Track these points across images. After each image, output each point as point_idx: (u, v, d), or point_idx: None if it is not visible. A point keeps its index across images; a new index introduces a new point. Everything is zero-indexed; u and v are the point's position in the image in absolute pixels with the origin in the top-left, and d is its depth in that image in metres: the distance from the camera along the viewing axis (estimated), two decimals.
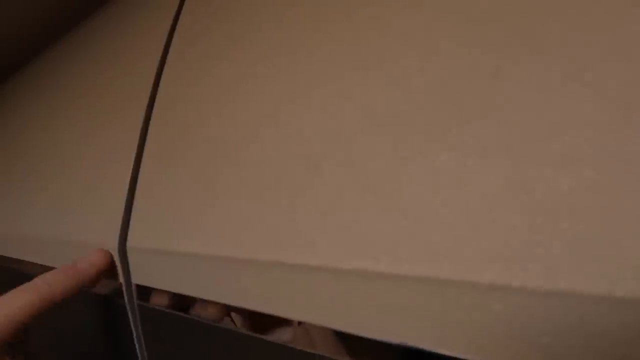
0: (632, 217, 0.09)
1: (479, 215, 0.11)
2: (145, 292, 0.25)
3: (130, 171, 0.25)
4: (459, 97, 0.13)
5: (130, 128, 0.26)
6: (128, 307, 0.25)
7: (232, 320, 0.28)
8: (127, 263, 0.24)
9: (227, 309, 0.25)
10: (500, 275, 0.10)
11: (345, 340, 0.28)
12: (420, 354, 0.12)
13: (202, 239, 0.20)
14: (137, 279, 0.24)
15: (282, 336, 0.26)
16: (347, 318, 0.13)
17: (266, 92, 0.20)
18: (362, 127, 0.15)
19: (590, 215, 0.09)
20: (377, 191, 0.13)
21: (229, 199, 0.19)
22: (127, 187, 0.25)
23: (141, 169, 0.25)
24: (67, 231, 0.27)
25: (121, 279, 0.25)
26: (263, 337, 0.19)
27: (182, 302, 0.25)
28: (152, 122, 0.26)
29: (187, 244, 0.21)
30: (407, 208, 0.12)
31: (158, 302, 0.25)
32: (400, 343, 0.12)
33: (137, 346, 0.26)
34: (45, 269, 0.25)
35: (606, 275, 0.09)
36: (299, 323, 0.27)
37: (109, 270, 0.24)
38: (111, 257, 0.24)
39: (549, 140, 0.11)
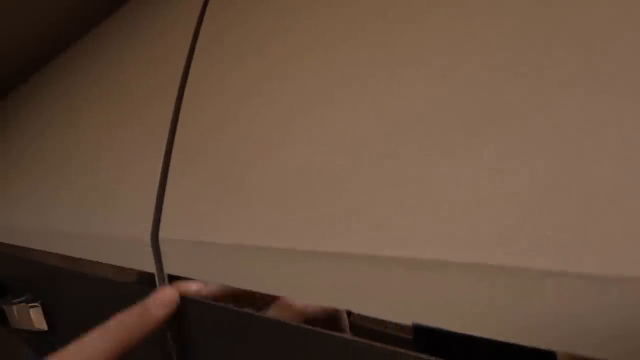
0: None
1: (530, 204, 0.11)
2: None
3: (161, 164, 0.26)
4: (500, 92, 0.14)
5: (159, 122, 0.28)
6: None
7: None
8: (159, 253, 0.26)
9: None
10: (553, 261, 0.11)
11: None
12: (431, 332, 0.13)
13: (235, 230, 0.21)
14: (169, 269, 0.26)
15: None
16: (389, 306, 0.14)
17: (302, 84, 0.21)
18: (405, 122, 0.16)
19: None
20: (426, 183, 0.14)
21: (263, 191, 0.20)
22: (158, 180, 0.26)
23: (171, 162, 0.26)
24: (101, 225, 0.29)
25: (154, 269, 0.26)
26: (294, 323, 0.20)
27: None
28: (181, 115, 0.27)
29: (218, 235, 0.22)
30: (456, 199, 0.13)
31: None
32: (448, 329, 0.12)
33: (168, 334, 0.27)
34: (70, 260, 0.26)
35: None
36: None
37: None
38: (178, 295, 0.23)
39: (599, 134, 0.11)
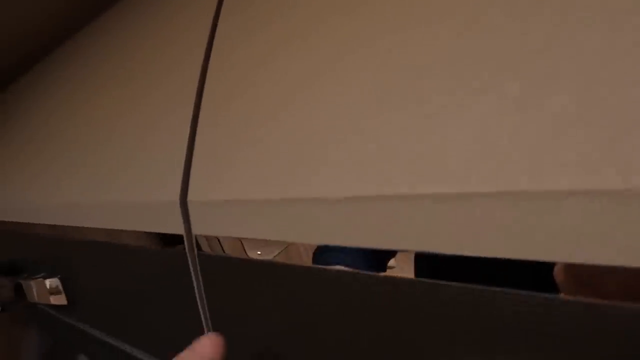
0: None
1: (553, 133, 0.13)
2: None
3: (188, 131, 0.27)
4: (520, 33, 0.15)
5: (185, 88, 0.29)
6: (188, 256, 0.28)
7: None
8: (188, 215, 0.27)
9: None
10: (575, 180, 0.12)
11: None
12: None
13: (262, 185, 0.22)
14: (197, 229, 0.27)
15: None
16: (432, 239, 0.15)
17: (324, 39, 0.22)
18: (432, 66, 0.17)
19: None
20: (455, 122, 0.16)
21: (288, 146, 0.21)
22: (185, 144, 0.27)
23: (198, 127, 0.27)
24: (130, 192, 0.30)
25: (182, 231, 0.27)
26: (325, 268, 0.21)
27: None
28: (207, 80, 0.28)
29: (247, 192, 0.23)
30: (481, 133, 0.15)
31: None
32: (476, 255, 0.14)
33: (196, 293, 0.29)
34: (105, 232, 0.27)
35: None
36: None
37: None
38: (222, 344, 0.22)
39: (618, 62, 0.12)
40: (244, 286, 0.26)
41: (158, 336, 0.35)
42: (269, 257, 0.26)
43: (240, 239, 0.26)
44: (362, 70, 0.19)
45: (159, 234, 0.31)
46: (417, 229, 0.16)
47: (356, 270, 0.20)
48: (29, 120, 0.52)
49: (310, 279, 0.22)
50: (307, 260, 0.23)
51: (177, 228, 0.28)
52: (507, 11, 0.15)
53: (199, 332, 0.30)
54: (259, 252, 0.27)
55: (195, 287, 0.29)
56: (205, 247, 0.30)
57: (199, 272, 0.28)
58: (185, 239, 0.28)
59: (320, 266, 0.22)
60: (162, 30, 0.35)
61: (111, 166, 0.33)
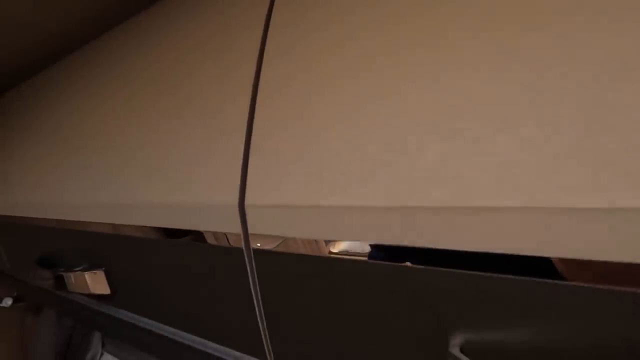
0: None
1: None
2: None
3: (244, 140, 0.31)
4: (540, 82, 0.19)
5: (239, 100, 0.32)
6: (245, 253, 0.32)
7: None
8: (245, 217, 0.31)
9: None
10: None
11: None
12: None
13: (309, 193, 0.26)
14: (253, 229, 0.31)
15: None
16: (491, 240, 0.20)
17: (387, 63, 0.25)
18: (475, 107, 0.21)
19: None
20: (483, 153, 0.20)
21: (338, 157, 0.25)
22: (242, 154, 0.31)
23: (252, 137, 0.31)
24: (192, 196, 0.33)
25: (240, 230, 0.31)
26: (382, 263, 0.25)
27: None
28: (259, 91, 0.31)
29: (298, 198, 0.27)
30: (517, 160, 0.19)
31: None
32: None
33: (251, 287, 0.33)
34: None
35: None
36: None
37: None
38: None
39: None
40: (293, 278, 0.30)
41: (209, 320, 0.39)
42: (269, 247, 0.30)
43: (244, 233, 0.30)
44: (421, 97, 0.23)
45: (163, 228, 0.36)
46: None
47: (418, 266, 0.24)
48: (86, 119, 0.54)
49: (362, 271, 0.26)
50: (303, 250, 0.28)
51: (235, 228, 0.31)
52: (531, 71, 0.19)
53: (252, 317, 0.34)
54: (258, 244, 0.31)
55: (250, 281, 0.33)
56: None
57: (254, 267, 0.32)
58: (242, 236, 0.31)
59: (366, 259, 0.26)
60: (216, 34, 0.38)
61: (181, 170, 0.36)
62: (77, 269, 0.53)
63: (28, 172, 0.61)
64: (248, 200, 0.30)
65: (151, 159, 0.38)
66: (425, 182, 0.21)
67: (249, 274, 0.33)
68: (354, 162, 0.25)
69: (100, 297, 0.55)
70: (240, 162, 0.31)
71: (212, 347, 0.42)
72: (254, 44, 0.34)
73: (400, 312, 0.24)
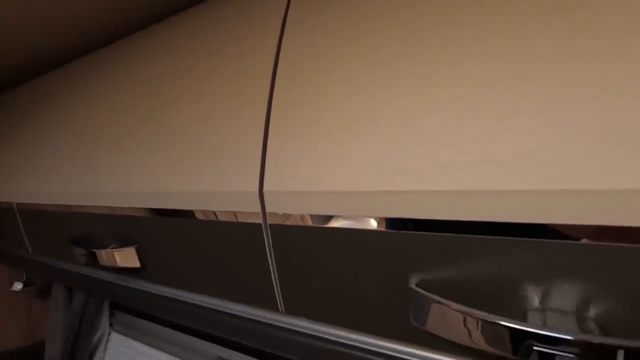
0: None
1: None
2: None
3: (262, 132, 0.41)
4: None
5: (258, 93, 0.42)
6: (263, 228, 0.42)
7: None
8: (264, 200, 0.41)
9: None
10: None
11: None
12: None
13: (323, 180, 0.36)
14: (270, 208, 0.41)
15: None
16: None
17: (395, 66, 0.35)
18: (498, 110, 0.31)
19: None
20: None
21: (346, 150, 0.35)
22: (261, 145, 0.40)
23: (270, 130, 0.40)
24: (213, 183, 0.43)
25: (259, 209, 0.41)
26: (396, 231, 0.35)
27: None
28: (276, 88, 0.41)
29: (314, 185, 0.37)
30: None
31: None
32: None
33: (267, 254, 0.43)
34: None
35: None
36: None
37: None
38: None
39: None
40: (309, 252, 0.40)
41: (229, 283, 0.49)
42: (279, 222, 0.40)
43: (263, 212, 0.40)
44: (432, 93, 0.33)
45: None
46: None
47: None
48: (115, 112, 0.63)
49: (375, 245, 0.36)
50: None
51: (255, 208, 0.41)
52: (537, 93, 0.29)
53: (268, 278, 0.44)
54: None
55: (268, 254, 0.43)
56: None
57: (270, 241, 0.42)
58: (261, 214, 0.41)
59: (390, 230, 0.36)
60: (234, 29, 0.47)
61: (206, 159, 0.46)
62: (110, 247, 0.63)
63: (67, 162, 0.69)
64: (266, 187, 0.40)
65: (182, 152, 0.48)
66: (407, 172, 0.31)
67: (266, 244, 0.43)
68: (354, 156, 0.35)
69: (129, 272, 0.64)
70: (260, 153, 0.41)
71: (230, 307, 0.53)
72: (272, 43, 0.43)
73: (378, 264, 0.35)
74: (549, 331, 0.24)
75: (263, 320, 0.48)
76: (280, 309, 0.44)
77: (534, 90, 0.27)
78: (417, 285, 0.32)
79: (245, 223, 0.43)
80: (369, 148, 0.34)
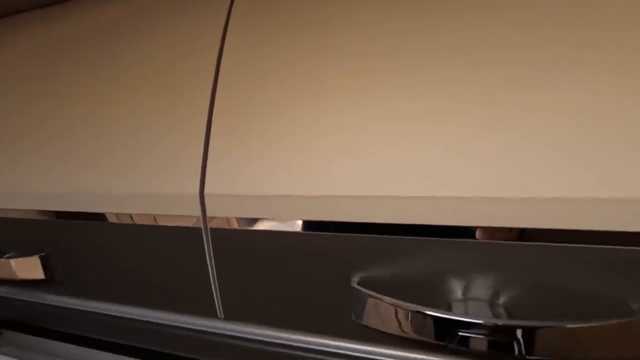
0: None
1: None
2: None
3: (204, 134, 0.39)
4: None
5: (200, 93, 0.39)
6: (203, 232, 0.40)
7: None
8: (204, 203, 0.39)
9: None
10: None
11: None
12: None
13: (261, 184, 0.36)
14: (211, 212, 0.39)
15: None
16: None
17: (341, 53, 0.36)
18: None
19: None
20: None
21: (290, 151, 0.35)
22: (203, 143, 0.38)
23: (212, 131, 0.39)
24: (152, 185, 0.40)
25: (199, 212, 0.39)
26: (337, 234, 0.36)
27: None
28: (219, 86, 0.39)
29: (255, 189, 0.36)
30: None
31: None
32: None
33: (207, 259, 0.41)
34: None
35: None
36: None
37: None
38: None
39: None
40: (247, 255, 0.40)
41: (161, 292, 0.46)
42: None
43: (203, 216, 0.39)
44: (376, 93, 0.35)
45: None
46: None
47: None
48: (38, 106, 0.53)
49: (309, 247, 0.37)
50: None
51: (195, 211, 0.39)
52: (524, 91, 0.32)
53: (207, 283, 0.42)
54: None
55: (207, 257, 0.41)
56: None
57: (210, 244, 0.41)
58: (201, 216, 0.40)
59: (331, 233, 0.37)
60: (176, 26, 0.44)
61: (142, 160, 0.42)
62: (6, 256, 0.53)
63: None
64: (207, 190, 0.38)
65: (112, 150, 0.43)
66: (346, 179, 0.33)
67: (206, 249, 0.41)
68: (297, 160, 0.35)
69: (29, 285, 0.55)
70: (201, 154, 0.39)
71: (162, 317, 0.49)
72: (216, 34, 0.41)
73: (320, 265, 0.36)
74: (464, 317, 0.29)
75: (200, 328, 0.46)
76: (219, 315, 0.43)
77: (460, 102, 0.31)
78: (358, 283, 0.34)
79: (181, 227, 0.41)
80: (311, 153, 0.35)
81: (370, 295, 0.33)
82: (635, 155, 0.24)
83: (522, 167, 0.27)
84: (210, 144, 0.39)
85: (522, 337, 0.26)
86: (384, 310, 0.32)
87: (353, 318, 0.35)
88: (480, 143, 0.29)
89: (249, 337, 0.43)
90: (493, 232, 0.28)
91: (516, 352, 0.26)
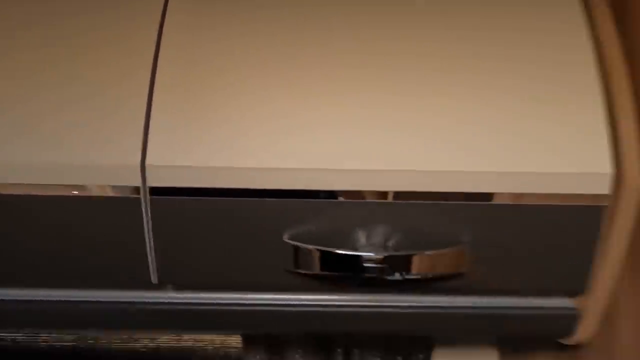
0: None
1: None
2: None
3: (146, 102, 0.41)
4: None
5: (141, 63, 0.42)
6: (142, 201, 0.42)
7: None
8: (145, 174, 0.41)
9: None
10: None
11: None
12: None
13: (206, 155, 0.40)
14: (151, 183, 0.42)
15: None
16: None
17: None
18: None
19: None
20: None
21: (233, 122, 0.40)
22: (145, 111, 0.41)
23: (154, 99, 0.41)
24: (91, 155, 0.41)
25: (139, 183, 0.41)
26: (271, 199, 0.41)
27: None
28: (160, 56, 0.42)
29: (197, 160, 0.40)
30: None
31: None
32: None
33: (145, 233, 0.43)
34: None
35: None
36: None
37: None
38: None
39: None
40: (190, 224, 0.43)
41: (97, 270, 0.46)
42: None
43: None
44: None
45: None
46: None
47: None
48: None
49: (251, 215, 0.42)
50: None
51: (136, 181, 0.42)
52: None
53: (143, 259, 0.44)
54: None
55: (145, 228, 0.43)
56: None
57: (149, 213, 0.43)
58: (141, 189, 0.42)
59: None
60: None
61: (82, 130, 0.41)
62: None
63: None
64: (148, 160, 0.41)
65: (46, 119, 0.43)
66: (282, 152, 0.39)
67: (144, 218, 0.43)
68: (239, 132, 0.40)
69: None
70: (142, 123, 0.41)
71: (92, 295, 0.48)
72: (157, 7, 0.45)
73: (251, 225, 0.41)
74: (364, 253, 0.41)
75: (133, 300, 0.47)
76: (154, 281, 0.45)
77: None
78: (289, 238, 0.41)
79: (119, 197, 0.43)
80: (251, 125, 0.40)
81: (300, 247, 0.40)
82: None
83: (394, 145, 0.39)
84: (151, 118, 0.42)
85: (402, 263, 0.41)
86: (310, 257, 0.39)
87: (285, 268, 0.41)
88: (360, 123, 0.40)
89: (184, 301, 0.46)
90: (379, 195, 0.40)
91: (398, 275, 0.41)
